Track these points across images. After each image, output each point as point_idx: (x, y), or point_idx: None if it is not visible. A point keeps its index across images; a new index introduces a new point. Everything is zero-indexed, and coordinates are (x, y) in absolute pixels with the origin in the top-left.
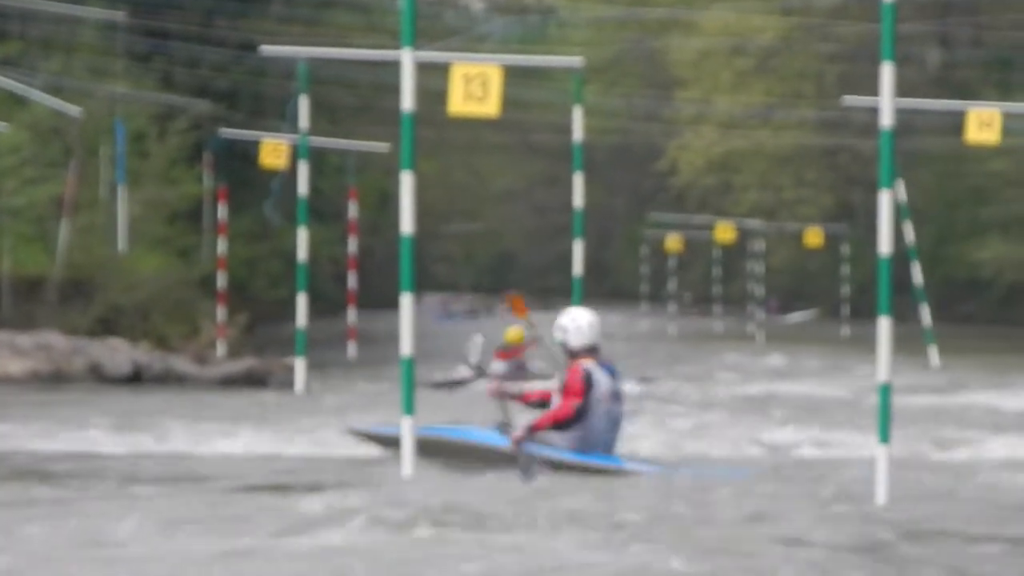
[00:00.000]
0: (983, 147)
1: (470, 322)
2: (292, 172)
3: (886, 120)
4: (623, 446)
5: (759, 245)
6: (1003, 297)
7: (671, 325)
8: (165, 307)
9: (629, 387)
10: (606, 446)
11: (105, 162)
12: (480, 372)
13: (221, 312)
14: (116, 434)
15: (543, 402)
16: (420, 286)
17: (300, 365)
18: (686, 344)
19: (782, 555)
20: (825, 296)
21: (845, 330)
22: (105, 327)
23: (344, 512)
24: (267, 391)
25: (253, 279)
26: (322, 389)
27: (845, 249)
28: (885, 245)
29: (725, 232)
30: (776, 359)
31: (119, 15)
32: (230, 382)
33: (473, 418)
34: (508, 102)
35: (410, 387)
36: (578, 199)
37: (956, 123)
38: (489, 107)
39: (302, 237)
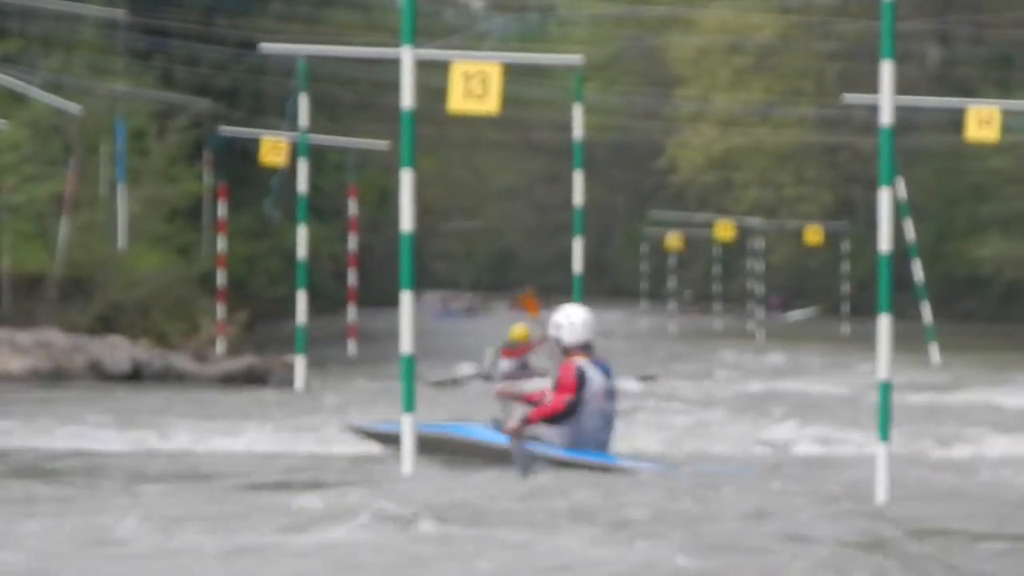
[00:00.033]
0: (983, 145)
1: (469, 320)
2: (292, 170)
3: (886, 118)
4: (623, 444)
5: (759, 243)
6: (1003, 294)
7: (671, 323)
8: (165, 305)
9: (631, 385)
10: (599, 444)
11: (105, 160)
12: (487, 376)
13: (221, 310)
14: (117, 432)
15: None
16: (420, 284)
17: (300, 363)
18: (686, 342)
19: (788, 553)
20: (825, 294)
21: (845, 328)
22: (105, 325)
23: (346, 510)
24: (267, 389)
25: (253, 277)
26: (322, 387)
27: (845, 246)
28: (885, 243)
29: (725, 230)
30: (776, 357)
31: (119, 13)
32: (230, 380)
33: (472, 416)
34: (508, 100)
35: (410, 385)
36: (578, 197)
37: (956, 120)
38: (489, 105)
39: (302, 235)
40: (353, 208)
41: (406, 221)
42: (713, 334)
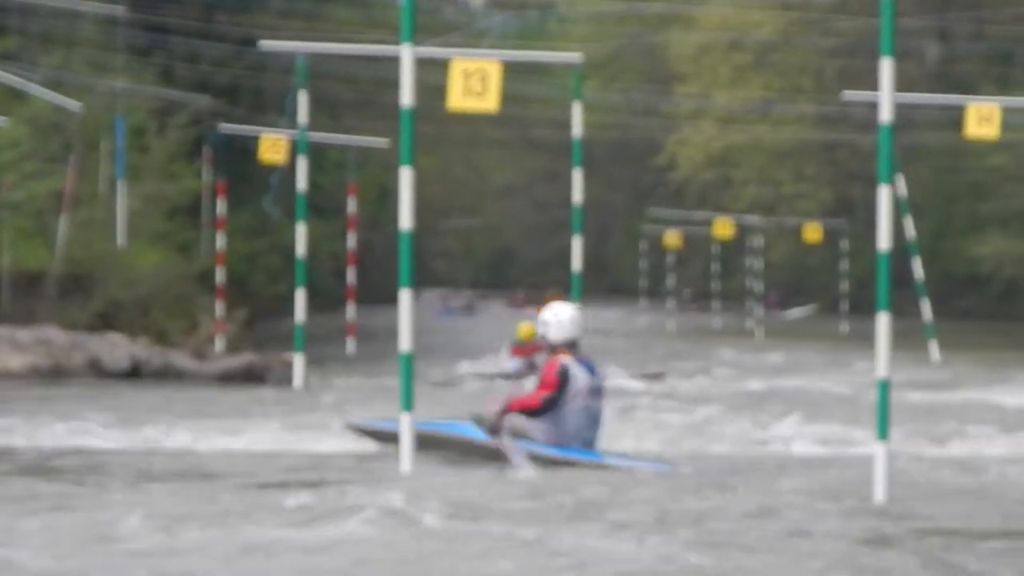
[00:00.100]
0: (982, 142)
1: (467, 318)
2: (291, 167)
3: (885, 115)
4: (621, 443)
5: (758, 240)
6: (1002, 292)
7: (670, 321)
8: (164, 302)
9: (634, 385)
10: (586, 441)
11: (105, 157)
12: (501, 374)
13: (220, 307)
14: (118, 430)
15: None
16: (419, 282)
17: (299, 361)
18: (685, 340)
19: (793, 552)
20: (824, 291)
21: (844, 326)
22: (104, 322)
23: (348, 507)
24: (266, 387)
25: (252, 274)
26: (321, 385)
27: (844, 244)
28: (884, 240)
29: (724, 228)
30: (775, 355)
31: (119, 10)
32: (229, 378)
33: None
34: (507, 98)
35: (409, 383)
36: (577, 195)
37: (955, 118)
38: (488, 103)
39: (301, 233)
40: (352, 206)
41: (405, 219)
42: (712, 332)
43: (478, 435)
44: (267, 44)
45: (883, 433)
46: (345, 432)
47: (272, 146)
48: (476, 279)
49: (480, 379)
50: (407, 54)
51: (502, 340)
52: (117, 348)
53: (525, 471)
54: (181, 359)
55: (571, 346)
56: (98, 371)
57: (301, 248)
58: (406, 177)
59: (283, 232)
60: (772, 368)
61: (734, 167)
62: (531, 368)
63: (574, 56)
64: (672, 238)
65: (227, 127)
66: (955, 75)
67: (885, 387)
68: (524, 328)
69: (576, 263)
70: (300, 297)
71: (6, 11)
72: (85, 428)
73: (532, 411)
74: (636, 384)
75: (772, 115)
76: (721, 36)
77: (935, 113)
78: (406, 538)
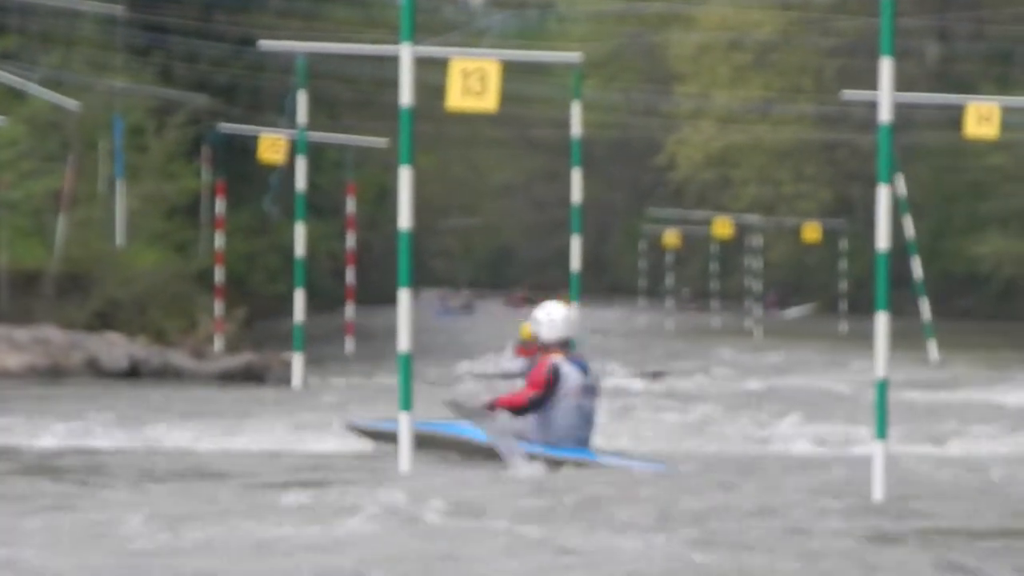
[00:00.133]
0: (982, 141)
1: (466, 317)
2: (290, 167)
3: (885, 115)
4: (619, 442)
5: (757, 240)
6: (1001, 292)
7: (669, 320)
8: (163, 301)
9: (635, 384)
10: (579, 440)
11: (103, 156)
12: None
13: (219, 307)
14: (117, 429)
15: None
16: (418, 281)
17: (298, 360)
18: (684, 339)
19: (795, 551)
20: (823, 291)
21: (843, 325)
22: (103, 321)
23: (349, 507)
24: (265, 386)
25: (251, 274)
26: (320, 385)
27: (843, 244)
28: (883, 240)
29: (723, 227)
30: (774, 354)
31: (118, 9)
32: (228, 377)
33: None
34: (507, 97)
35: (408, 383)
36: (576, 194)
37: (955, 117)
38: (487, 102)
39: (300, 232)
40: (351, 206)
41: (404, 219)
42: (711, 331)
43: (477, 435)
44: (266, 44)
45: (882, 432)
46: (345, 432)
47: (271, 146)
48: (475, 279)
49: (480, 379)
50: (406, 53)
51: (505, 340)
52: (115, 348)
53: (523, 469)
54: (180, 359)
55: (563, 345)
56: (96, 371)
57: (300, 248)
58: (405, 177)
59: (282, 232)
60: (771, 367)
61: (733, 167)
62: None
63: (573, 56)
64: (671, 238)
65: (226, 127)
66: (955, 75)
67: (883, 386)
68: (527, 328)
69: (575, 262)
70: (299, 297)
71: (5, 10)
72: (85, 428)
73: (518, 409)
74: (636, 383)
75: (771, 115)
76: (721, 36)
77: (935, 113)
78: (412, 537)
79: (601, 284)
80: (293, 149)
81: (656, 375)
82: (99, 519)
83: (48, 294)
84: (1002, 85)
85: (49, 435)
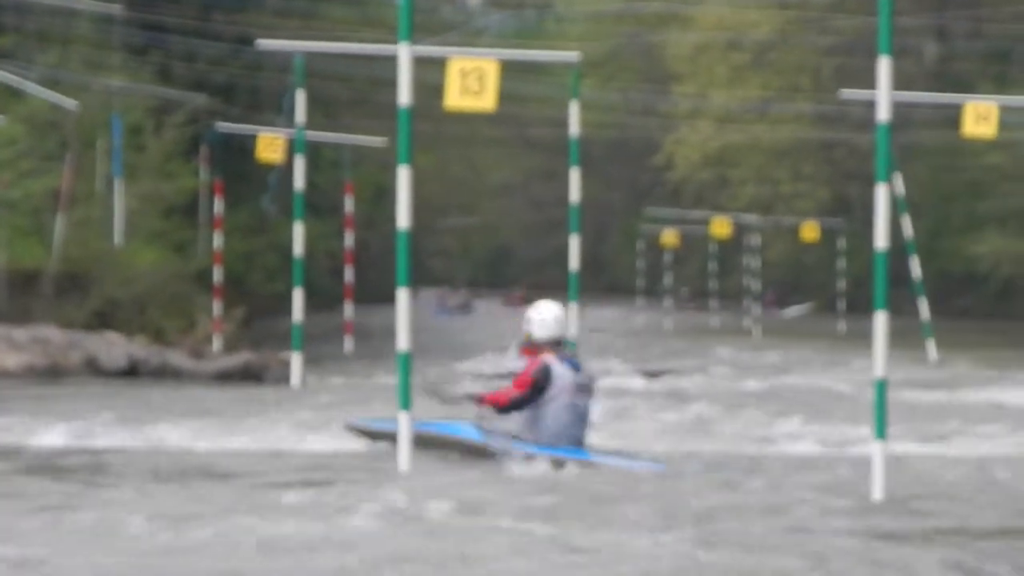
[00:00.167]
0: (980, 140)
1: (465, 316)
2: (288, 166)
3: (883, 114)
4: (618, 441)
5: (755, 239)
6: (1000, 291)
7: (667, 320)
8: (161, 301)
9: (635, 382)
10: (573, 439)
11: (101, 155)
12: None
13: (217, 306)
14: (118, 429)
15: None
16: (416, 280)
17: (296, 360)
18: (682, 339)
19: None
20: (821, 290)
21: (841, 324)
22: (101, 321)
23: (351, 505)
24: (263, 386)
25: (249, 273)
26: (319, 384)
27: (842, 243)
28: (881, 239)
29: (721, 227)
30: (772, 354)
31: (116, 8)
32: (226, 376)
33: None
34: (505, 96)
35: (406, 382)
36: (574, 193)
37: (953, 116)
38: (486, 101)
39: (298, 231)
40: (350, 205)
41: (403, 218)
42: (709, 331)
43: (476, 435)
44: (264, 43)
45: (881, 432)
46: (344, 431)
47: (269, 145)
48: (473, 278)
49: (480, 379)
50: (404, 53)
51: (504, 340)
52: (114, 347)
53: (520, 468)
54: (178, 358)
55: (555, 344)
56: (95, 370)
57: (299, 247)
58: (404, 176)
59: (280, 231)
60: (770, 367)
61: (732, 166)
62: None
63: (572, 55)
64: (669, 237)
65: (224, 126)
66: (953, 74)
67: (882, 386)
68: None
69: (573, 262)
70: (298, 296)
71: (2, 9)
72: (85, 427)
73: (501, 408)
74: (636, 381)
75: (770, 114)
76: (718, 35)
77: (933, 112)
78: (418, 536)
79: (599, 283)
80: (291, 148)
81: (656, 374)
82: (102, 518)
83: (47, 294)
84: (1000, 84)
85: (49, 434)
